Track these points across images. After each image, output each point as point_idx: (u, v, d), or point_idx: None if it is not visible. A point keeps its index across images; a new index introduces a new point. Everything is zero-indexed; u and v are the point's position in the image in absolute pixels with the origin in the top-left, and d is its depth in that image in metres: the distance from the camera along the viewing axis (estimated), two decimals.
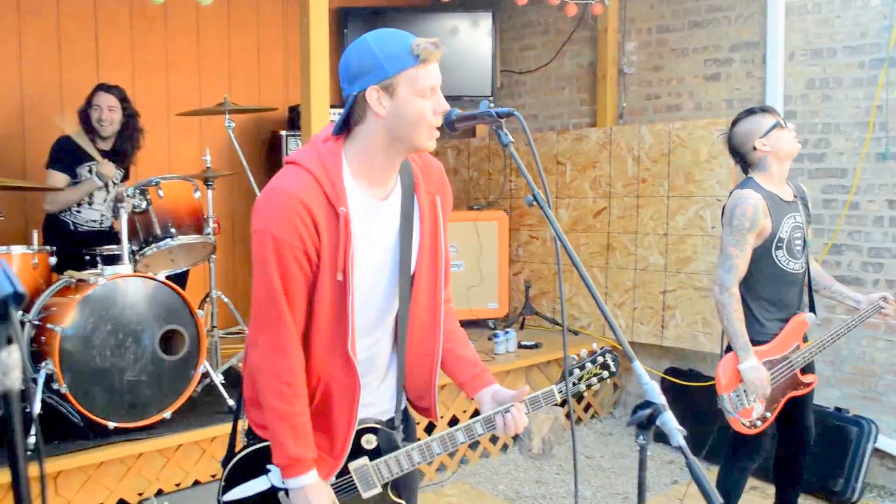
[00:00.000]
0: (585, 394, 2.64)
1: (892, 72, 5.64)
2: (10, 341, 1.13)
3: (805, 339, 4.37)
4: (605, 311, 2.16)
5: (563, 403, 2.55)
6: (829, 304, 5.92)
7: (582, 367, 2.58)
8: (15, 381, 1.13)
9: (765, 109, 4.34)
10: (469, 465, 6.17)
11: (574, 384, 2.56)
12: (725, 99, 6.64)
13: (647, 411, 2.06)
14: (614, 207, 7.17)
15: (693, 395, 6.22)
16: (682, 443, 1.99)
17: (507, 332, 6.66)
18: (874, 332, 5.76)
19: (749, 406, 4.25)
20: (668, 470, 6.02)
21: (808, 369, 4.41)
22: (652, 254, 6.80)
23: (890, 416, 5.69)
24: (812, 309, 4.41)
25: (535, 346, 6.78)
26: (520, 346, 6.73)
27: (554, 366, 6.80)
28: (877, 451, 5.63)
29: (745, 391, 4.23)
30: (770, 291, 4.31)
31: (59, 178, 5.66)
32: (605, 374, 2.59)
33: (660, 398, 2.05)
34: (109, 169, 5.62)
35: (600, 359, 2.58)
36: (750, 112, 4.33)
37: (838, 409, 5.71)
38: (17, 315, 1.13)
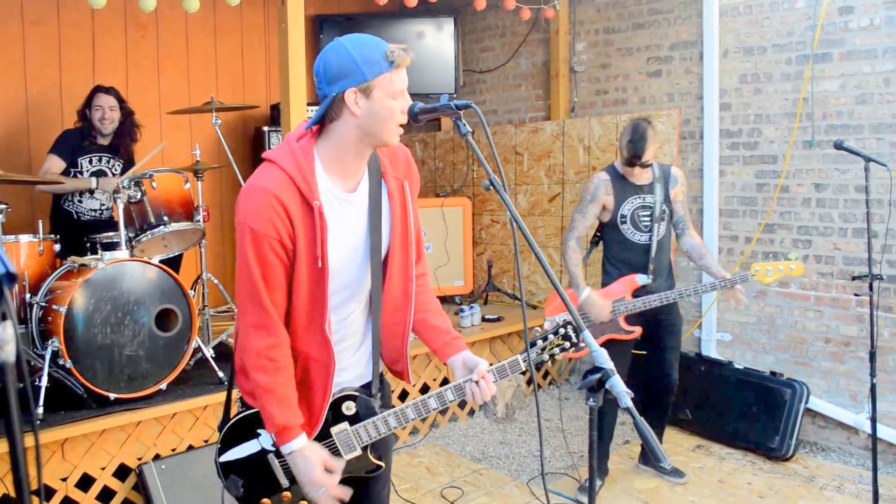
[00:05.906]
0: (548, 362, 2.62)
1: (816, 67, 5.66)
2: (3, 318, 1.12)
3: (634, 296, 4.74)
4: (559, 287, 2.14)
5: (525, 372, 2.55)
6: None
7: (545, 339, 2.58)
8: (10, 355, 1.13)
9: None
10: (439, 428, 6.18)
11: (538, 353, 2.56)
12: (667, 93, 6.64)
13: (597, 376, 2.05)
14: (567, 193, 7.17)
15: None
16: (630, 404, 1.98)
17: (472, 307, 6.66)
18: (805, 302, 5.80)
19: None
20: (619, 431, 5.99)
21: (633, 321, 4.80)
22: None
23: (819, 378, 5.73)
24: (646, 272, 4.77)
25: (498, 319, 6.78)
26: (484, 320, 6.74)
27: (514, 337, 6.80)
28: (808, 410, 5.68)
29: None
30: (617, 253, 4.89)
31: (55, 163, 5.70)
32: (567, 344, 2.58)
33: (608, 364, 2.05)
34: (109, 185, 5.67)
35: (561, 331, 2.58)
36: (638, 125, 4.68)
37: (773, 373, 5.74)
38: (9, 293, 1.12)
